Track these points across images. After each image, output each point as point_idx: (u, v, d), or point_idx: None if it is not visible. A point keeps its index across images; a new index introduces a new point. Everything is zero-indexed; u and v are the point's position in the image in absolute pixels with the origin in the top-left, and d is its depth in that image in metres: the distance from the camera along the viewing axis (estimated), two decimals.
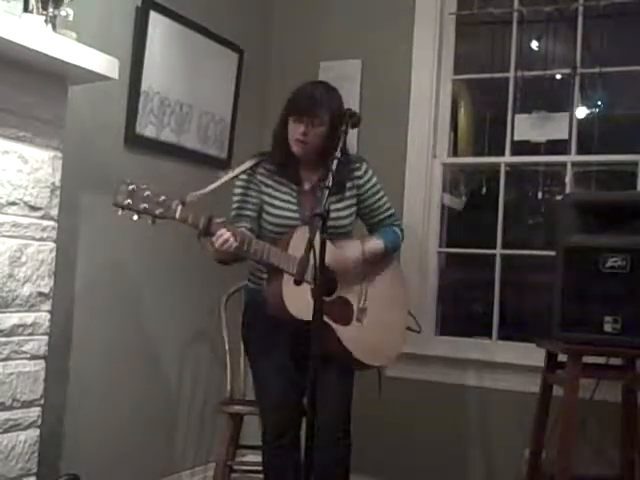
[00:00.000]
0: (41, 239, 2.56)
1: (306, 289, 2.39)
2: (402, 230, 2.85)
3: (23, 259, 2.50)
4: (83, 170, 2.99)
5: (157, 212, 2.30)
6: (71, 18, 2.51)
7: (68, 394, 2.99)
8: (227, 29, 3.75)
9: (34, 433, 2.57)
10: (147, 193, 2.29)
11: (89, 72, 2.53)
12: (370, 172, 2.76)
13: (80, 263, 3.04)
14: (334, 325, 2.56)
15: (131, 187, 2.28)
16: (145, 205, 2.29)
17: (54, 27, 2.45)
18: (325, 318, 2.50)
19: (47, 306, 2.60)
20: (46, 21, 2.42)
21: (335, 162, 2.29)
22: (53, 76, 2.54)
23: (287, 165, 2.67)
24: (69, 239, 2.94)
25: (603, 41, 3.67)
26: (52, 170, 2.59)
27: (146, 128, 3.31)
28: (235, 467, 3.26)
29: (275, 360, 2.65)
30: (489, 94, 4.06)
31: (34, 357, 2.56)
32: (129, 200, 2.27)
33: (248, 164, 2.69)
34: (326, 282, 2.54)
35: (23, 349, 2.51)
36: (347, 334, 2.59)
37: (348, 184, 2.70)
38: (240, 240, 2.40)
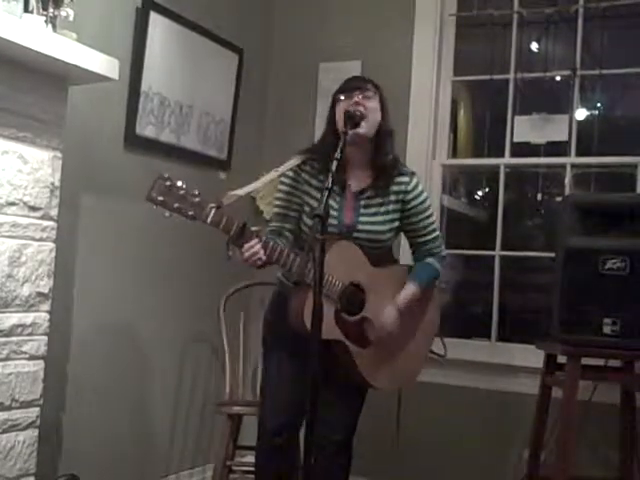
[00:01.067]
0: (40, 239, 2.56)
1: (329, 308, 2.32)
2: (444, 257, 2.74)
3: (22, 259, 2.50)
4: (83, 170, 2.99)
5: (190, 213, 2.23)
6: (71, 19, 2.51)
7: (67, 394, 2.99)
8: (227, 30, 3.75)
9: (33, 433, 2.57)
10: (182, 192, 2.22)
11: (89, 73, 2.53)
12: (420, 188, 2.64)
13: (79, 263, 3.04)
14: (351, 346, 2.50)
15: (168, 183, 2.21)
16: (179, 204, 2.22)
17: (54, 27, 2.45)
18: (342, 338, 2.48)
19: (46, 306, 2.60)
20: (46, 21, 2.43)
21: (334, 163, 2.27)
22: (53, 76, 2.54)
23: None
24: (69, 239, 2.94)
25: (603, 43, 3.67)
26: (52, 170, 2.59)
27: (146, 129, 3.32)
28: (234, 468, 3.26)
29: (286, 359, 2.59)
30: (489, 95, 4.06)
31: (33, 357, 2.56)
32: (163, 197, 2.21)
33: (293, 162, 2.57)
34: (354, 301, 2.51)
35: (22, 349, 2.51)
36: (363, 356, 2.52)
37: (392, 197, 2.59)
38: (269, 252, 2.33)
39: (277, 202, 2.64)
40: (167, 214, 2.23)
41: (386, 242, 2.61)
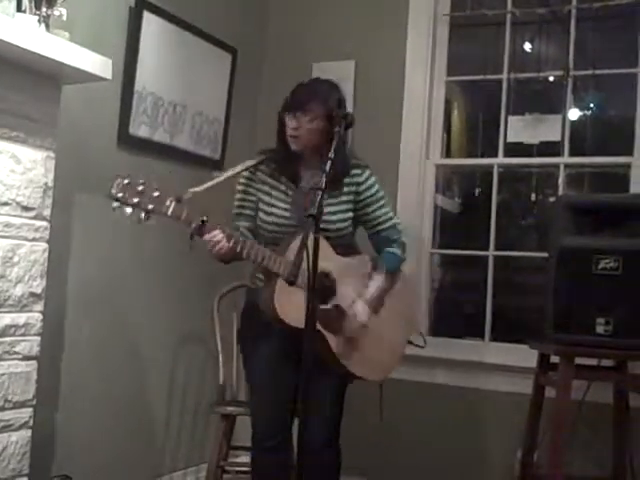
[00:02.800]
0: (33, 239, 2.56)
1: (300, 296, 2.32)
2: (403, 244, 2.74)
3: (15, 259, 2.49)
4: (76, 170, 2.98)
5: (149, 207, 2.27)
6: (64, 18, 2.51)
7: (60, 395, 2.99)
8: (221, 30, 3.75)
9: (26, 434, 2.57)
10: (141, 188, 2.27)
11: (82, 72, 2.53)
12: (372, 180, 2.69)
13: (72, 263, 3.03)
14: (326, 333, 2.52)
15: (126, 181, 2.27)
16: (137, 199, 2.27)
17: (47, 27, 2.44)
18: (318, 325, 2.50)
19: (39, 306, 2.60)
20: (39, 21, 2.42)
21: (329, 163, 2.28)
22: (46, 76, 2.54)
23: (287, 164, 2.63)
24: (62, 239, 2.93)
25: (596, 43, 3.68)
26: (45, 170, 2.59)
27: (139, 128, 3.31)
28: (227, 468, 3.26)
29: (268, 361, 2.62)
30: (482, 95, 4.06)
31: (26, 358, 2.55)
32: (122, 193, 2.26)
33: (249, 162, 2.66)
34: (322, 289, 2.52)
35: (15, 350, 2.51)
36: (339, 344, 2.55)
37: (345, 189, 2.65)
38: (233, 243, 2.38)
39: (235, 202, 2.72)
40: (128, 210, 2.27)
41: (340, 232, 2.64)
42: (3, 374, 2.47)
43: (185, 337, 3.66)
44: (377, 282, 2.65)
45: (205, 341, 3.64)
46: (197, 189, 2.44)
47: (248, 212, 2.68)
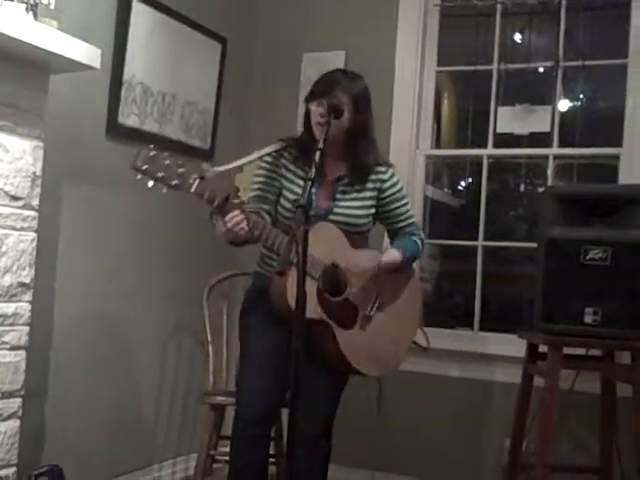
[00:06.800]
0: (22, 229, 2.55)
1: (312, 286, 2.32)
2: (422, 240, 2.77)
3: (3, 249, 2.48)
4: (64, 160, 2.97)
5: (173, 183, 2.24)
6: (53, 6, 2.48)
7: (49, 385, 2.98)
8: (211, 19, 3.73)
9: (15, 424, 2.56)
10: (167, 162, 2.24)
11: (71, 61, 2.51)
12: (396, 178, 2.71)
13: (61, 253, 3.02)
14: (334, 326, 2.51)
15: (152, 153, 2.24)
16: (162, 174, 2.24)
17: (35, 15, 2.43)
18: (325, 317, 2.49)
19: (28, 296, 2.59)
20: (27, 9, 2.40)
21: (318, 153, 2.28)
22: (34, 65, 2.52)
23: (311, 152, 2.47)
24: (50, 229, 2.92)
25: (586, 34, 3.69)
26: (33, 160, 2.58)
27: (128, 118, 3.29)
28: (217, 457, 3.26)
29: (268, 348, 2.59)
30: (472, 86, 4.07)
31: (15, 347, 2.54)
32: (147, 165, 2.22)
33: (275, 146, 2.63)
34: (334, 282, 2.52)
35: (4, 339, 2.50)
36: (346, 338, 2.53)
37: (369, 185, 2.65)
38: (252, 225, 2.35)
39: (255, 185, 2.68)
40: (150, 184, 2.24)
41: (361, 227, 2.64)
42: None
43: (175, 327, 3.65)
44: (391, 254, 2.64)
45: (195, 332, 3.64)
46: (220, 168, 2.41)
47: (269, 196, 2.64)
